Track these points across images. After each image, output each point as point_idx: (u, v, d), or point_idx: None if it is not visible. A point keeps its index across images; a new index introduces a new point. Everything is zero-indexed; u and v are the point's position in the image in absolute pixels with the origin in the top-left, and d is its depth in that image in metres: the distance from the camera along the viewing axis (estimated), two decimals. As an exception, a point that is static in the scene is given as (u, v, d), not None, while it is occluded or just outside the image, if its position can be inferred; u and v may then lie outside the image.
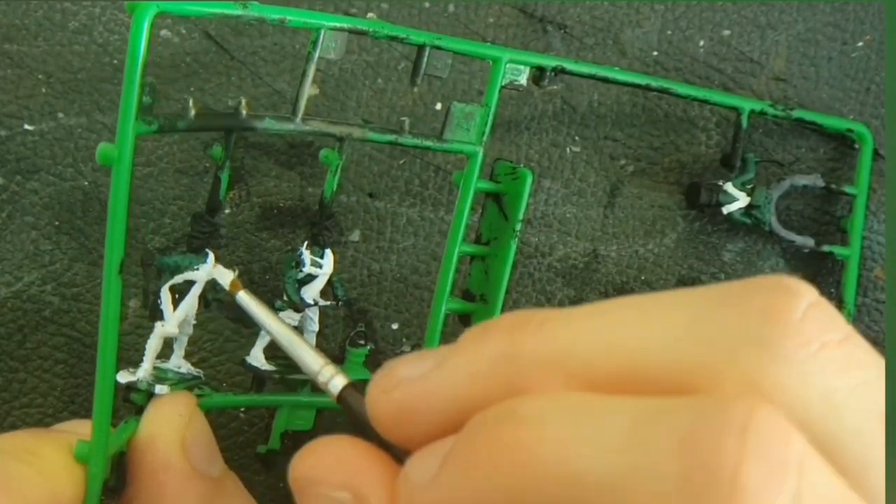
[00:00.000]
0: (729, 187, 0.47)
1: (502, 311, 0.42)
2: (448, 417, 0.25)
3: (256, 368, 0.40)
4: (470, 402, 0.25)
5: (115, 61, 0.45)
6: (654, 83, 0.44)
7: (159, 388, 0.37)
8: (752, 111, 0.46)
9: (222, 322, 0.45)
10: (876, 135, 0.50)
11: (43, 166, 0.45)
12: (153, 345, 0.38)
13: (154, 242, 0.45)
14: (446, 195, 0.47)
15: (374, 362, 0.47)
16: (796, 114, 0.47)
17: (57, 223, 0.45)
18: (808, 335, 0.22)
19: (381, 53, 0.47)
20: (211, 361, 0.46)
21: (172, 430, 0.36)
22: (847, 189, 0.48)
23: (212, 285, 0.38)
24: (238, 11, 0.35)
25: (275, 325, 0.34)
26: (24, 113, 0.45)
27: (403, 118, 0.40)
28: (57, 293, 0.45)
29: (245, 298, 0.35)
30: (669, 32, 0.49)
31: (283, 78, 0.47)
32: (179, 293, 0.38)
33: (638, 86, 0.45)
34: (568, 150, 0.49)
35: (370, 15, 0.39)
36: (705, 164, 0.50)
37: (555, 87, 0.49)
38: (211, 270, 0.38)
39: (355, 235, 0.47)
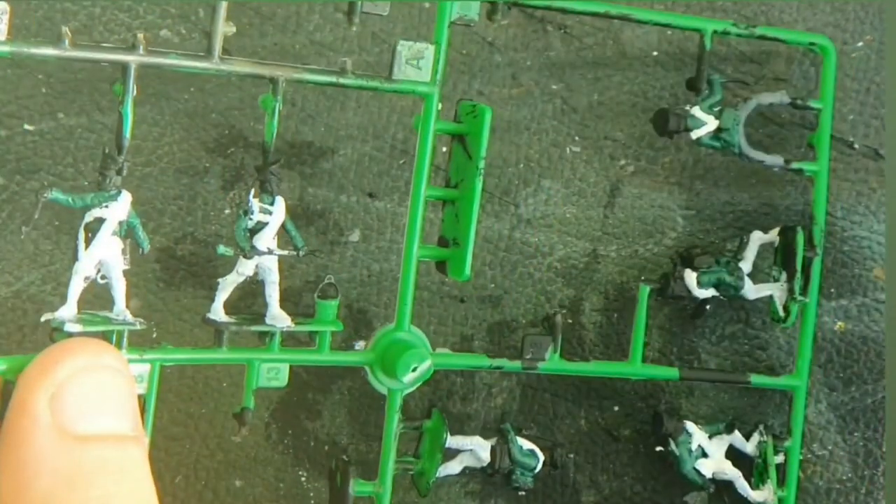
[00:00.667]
0: (696, 111, 0.45)
1: (472, 252, 0.41)
2: None
3: (216, 321, 0.39)
4: None
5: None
6: (612, 10, 0.43)
7: (69, 326, 0.35)
8: (715, 31, 0.45)
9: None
10: (876, 135, 0.50)
11: (43, 166, 0.45)
12: (73, 285, 0.36)
13: (154, 242, 0.45)
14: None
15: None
16: (759, 30, 0.46)
17: (57, 223, 0.45)
18: None
19: (382, 53, 0.47)
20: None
21: (47, 377, 0.31)
22: (812, 103, 0.47)
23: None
24: None
25: None
26: (24, 113, 0.45)
27: (344, 58, 0.38)
28: (57, 293, 0.45)
29: None
30: (669, 32, 0.49)
31: (283, 78, 0.47)
32: (93, 232, 0.36)
33: (596, 13, 0.43)
34: (568, 150, 0.49)
35: None
36: (706, 164, 0.50)
37: (554, 86, 0.49)
38: (123, 209, 0.36)
39: (355, 235, 0.47)
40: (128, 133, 0.36)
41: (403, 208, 0.47)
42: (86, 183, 0.45)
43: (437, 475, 0.44)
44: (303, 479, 0.47)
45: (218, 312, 0.39)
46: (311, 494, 0.47)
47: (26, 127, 0.45)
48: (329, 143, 0.47)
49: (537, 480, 0.46)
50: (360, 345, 0.43)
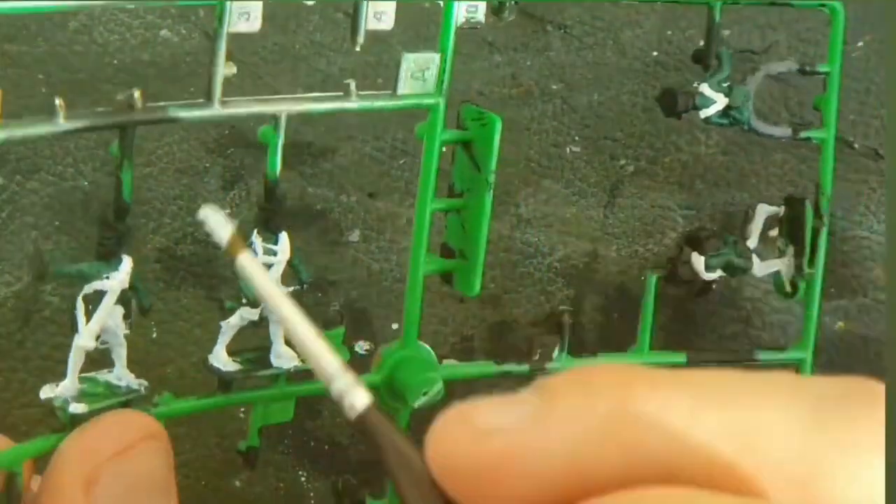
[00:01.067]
0: (705, 88, 0.44)
1: (483, 268, 0.40)
2: (546, 480, 0.21)
3: (220, 370, 0.37)
4: (578, 463, 0.21)
5: (115, 61, 0.45)
6: None
7: (74, 407, 0.32)
8: (725, 1, 0.44)
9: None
10: (876, 135, 0.50)
11: (43, 166, 0.45)
12: (73, 358, 0.34)
13: (154, 242, 0.45)
14: (445, 195, 0.47)
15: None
16: None
17: (57, 223, 0.45)
18: None
19: (382, 54, 0.47)
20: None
21: (81, 462, 0.30)
22: (820, 68, 0.46)
23: (132, 292, 0.34)
24: None
25: (285, 307, 0.25)
26: (24, 113, 0.44)
27: (348, 80, 0.36)
28: (57, 293, 0.45)
29: (248, 265, 0.26)
30: (669, 32, 0.49)
31: (284, 78, 0.47)
32: (94, 304, 0.34)
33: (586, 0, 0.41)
34: (568, 150, 0.49)
35: None
36: (706, 164, 0.50)
37: (554, 86, 0.49)
38: (123, 279, 0.33)
39: (355, 235, 0.47)
40: (128, 198, 0.33)
41: (403, 208, 0.47)
42: (86, 183, 0.45)
43: None
44: (303, 479, 0.47)
45: (220, 358, 0.37)
46: (311, 494, 0.47)
47: (26, 127, 0.45)
48: (329, 143, 0.47)
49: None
50: (361, 345, 0.43)
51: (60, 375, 0.45)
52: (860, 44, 0.51)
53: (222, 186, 0.46)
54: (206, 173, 0.46)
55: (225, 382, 0.37)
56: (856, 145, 0.50)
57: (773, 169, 0.49)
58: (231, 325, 0.37)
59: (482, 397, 0.23)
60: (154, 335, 0.45)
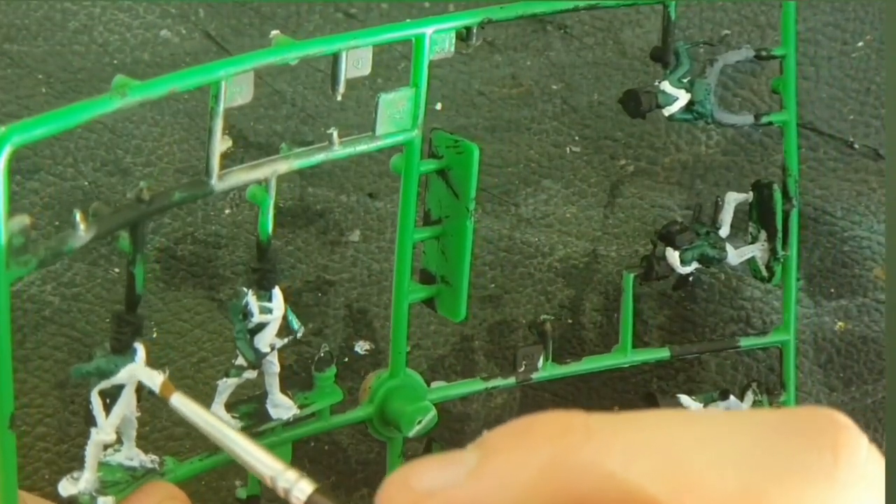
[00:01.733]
0: (666, 86, 0.44)
1: (469, 294, 0.41)
2: None
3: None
4: None
5: (115, 61, 0.45)
6: (581, 4, 0.41)
7: (102, 501, 0.33)
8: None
9: (223, 322, 0.45)
10: (876, 135, 0.50)
11: (43, 166, 0.45)
12: (92, 452, 0.34)
13: (154, 242, 0.45)
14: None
15: (374, 363, 0.47)
16: None
17: (57, 223, 0.45)
18: (872, 478, 0.23)
19: (382, 53, 0.47)
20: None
21: None
22: (776, 52, 0.46)
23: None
24: (116, 105, 0.32)
25: (217, 429, 0.31)
26: (24, 113, 0.44)
27: (331, 130, 0.36)
28: (57, 293, 0.45)
29: (181, 402, 0.32)
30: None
31: (284, 78, 0.47)
32: (111, 397, 0.34)
33: (566, 10, 0.41)
34: (568, 150, 0.49)
35: (274, 33, 0.35)
36: (706, 164, 0.50)
37: (554, 86, 0.49)
38: (138, 371, 0.34)
39: (355, 235, 0.47)
40: (140, 291, 0.33)
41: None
42: (86, 183, 0.45)
43: None
44: (303, 479, 0.47)
45: (219, 414, 0.38)
46: (312, 494, 0.47)
47: (26, 127, 0.45)
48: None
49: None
50: (361, 345, 0.43)
51: (61, 374, 0.45)
52: (860, 44, 0.51)
53: (222, 186, 0.46)
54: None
55: None
56: (856, 145, 0.50)
57: (773, 169, 0.49)
58: (229, 383, 0.37)
59: (423, 458, 0.24)
60: (154, 335, 0.45)
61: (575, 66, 0.49)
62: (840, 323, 0.50)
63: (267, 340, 0.36)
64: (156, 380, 0.33)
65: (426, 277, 0.41)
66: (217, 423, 0.31)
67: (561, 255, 0.49)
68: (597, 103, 0.49)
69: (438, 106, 0.48)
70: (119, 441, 0.35)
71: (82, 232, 0.30)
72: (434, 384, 0.43)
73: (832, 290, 0.50)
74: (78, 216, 0.30)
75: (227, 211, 0.46)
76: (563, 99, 0.49)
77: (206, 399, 0.46)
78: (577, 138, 0.49)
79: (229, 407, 0.38)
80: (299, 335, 0.37)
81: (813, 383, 0.50)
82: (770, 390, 0.48)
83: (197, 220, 0.46)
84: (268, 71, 0.47)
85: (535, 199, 0.49)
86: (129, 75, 0.46)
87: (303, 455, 0.47)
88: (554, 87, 0.49)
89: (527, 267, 0.49)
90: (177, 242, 0.46)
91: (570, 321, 0.49)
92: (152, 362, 0.46)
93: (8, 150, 0.29)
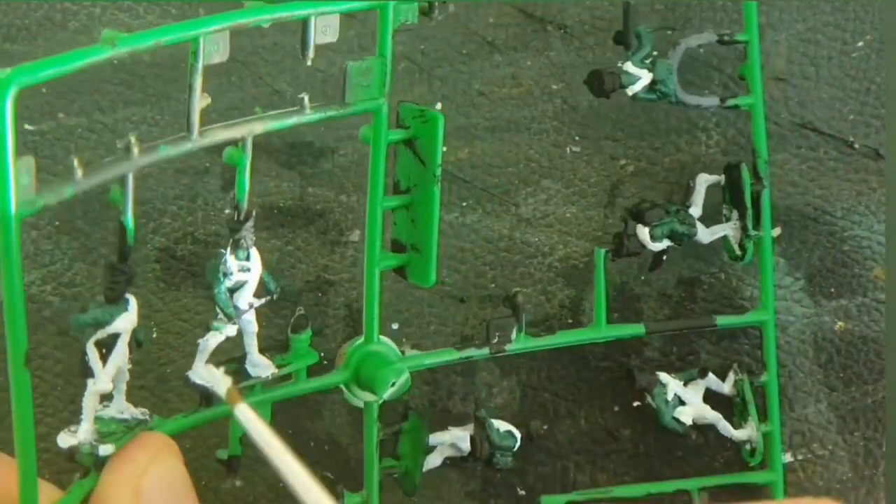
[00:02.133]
0: (629, 67, 0.45)
1: (437, 259, 0.41)
2: None
3: (201, 386, 0.38)
4: None
5: (115, 61, 0.45)
6: None
7: (104, 449, 0.35)
8: None
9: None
10: (876, 135, 0.50)
11: (43, 166, 0.45)
12: (89, 403, 0.35)
13: (154, 242, 0.45)
14: (446, 195, 0.47)
15: (374, 362, 0.47)
16: None
17: (57, 223, 0.45)
18: None
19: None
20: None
21: (125, 480, 0.34)
22: (739, 37, 0.47)
23: (138, 329, 0.36)
24: (107, 53, 0.33)
25: (284, 457, 0.31)
26: (24, 113, 0.45)
27: (302, 94, 0.38)
28: (57, 293, 0.45)
29: (244, 413, 0.31)
30: (669, 33, 0.49)
31: (283, 78, 0.47)
32: (106, 347, 0.35)
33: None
34: (568, 150, 0.49)
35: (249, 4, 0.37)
36: (706, 164, 0.50)
37: (554, 86, 0.49)
38: (133, 318, 0.35)
39: (355, 235, 0.47)
40: (131, 242, 0.35)
41: (403, 208, 0.47)
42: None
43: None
44: (303, 479, 0.47)
45: (200, 374, 0.38)
46: (312, 494, 0.47)
47: (26, 127, 0.45)
48: (329, 143, 0.47)
49: (538, 482, 0.46)
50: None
51: (62, 374, 0.45)
52: (860, 44, 0.51)
53: (222, 186, 0.46)
54: (206, 173, 0.46)
55: (206, 397, 0.39)
56: (856, 145, 0.50)
57: (772, 169, 0.49)
58: (209, 343, 0.38)
59: None
60: (154, 335, 0.45)
61: (575, 66, 0.49)
62: (840, 323, 0.50)
63: (246, 299, 0.38)
64: (222, 385, 0.35)
65: (397, 247, 0.42)
66: (276, 444, 0.32)
67: (561, 255, 0.49)
68: (597, 103, 0.49)
69: (438, 106, 0.48)
70: (109, 397, 0.36)
71: (80, 176, 0.32)
72: (408, 352, 0.44)
73: (832, 290, 0.50)
74: (76, 161, 0.32)
75: (226, 211, 0.46)
76: (563, 99, 0.49)
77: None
78: (577, 138, 0.49)
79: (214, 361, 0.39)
80: (275, 296, 0.39)
81: (813, 383, 0.50)
82: (751, 371, 0.48)
83: (197, 220, 0.46)
84: (267, 71, 0.47)
85: (535, 199, 0.49)
86: (129, 75, 0.46)
87: (303, 455, 0.47)
88: (554, 87, 0.49)
89: (527, 267, 0.49)
90: (177, 242, 0.46)
91: (570, 321, 0.49)
92: (152, 362, 0.46)
93: (13, 90, 0.31)
